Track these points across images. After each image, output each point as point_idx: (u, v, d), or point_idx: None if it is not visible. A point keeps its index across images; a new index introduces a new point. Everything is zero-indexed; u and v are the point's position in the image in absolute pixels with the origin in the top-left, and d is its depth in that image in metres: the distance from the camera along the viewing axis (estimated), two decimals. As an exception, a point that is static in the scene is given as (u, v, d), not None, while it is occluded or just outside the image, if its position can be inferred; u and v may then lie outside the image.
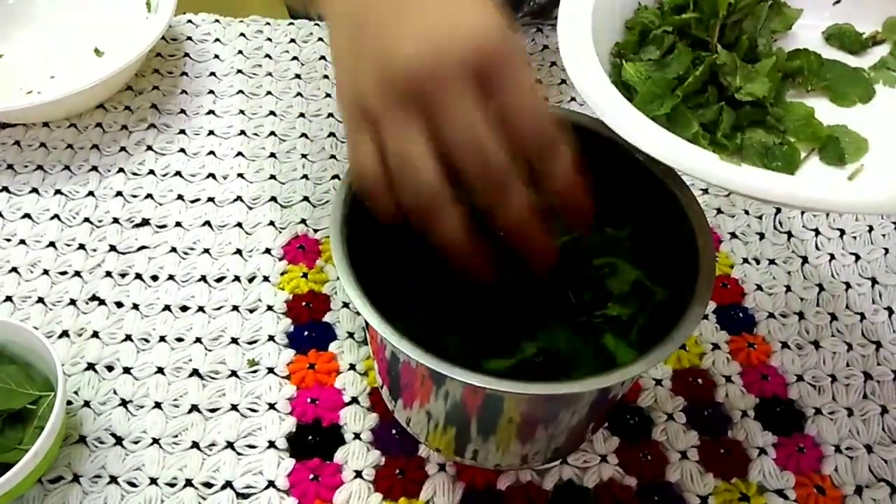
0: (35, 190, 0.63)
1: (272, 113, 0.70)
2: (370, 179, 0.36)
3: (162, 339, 0.55)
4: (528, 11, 0.77)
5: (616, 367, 0.36)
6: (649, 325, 0.43)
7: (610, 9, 0.44)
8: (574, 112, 0.47)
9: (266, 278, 0.58)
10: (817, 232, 0.64)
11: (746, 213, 0.64)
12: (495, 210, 0.35)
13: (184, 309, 0.57)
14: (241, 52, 0.75)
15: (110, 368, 0.53)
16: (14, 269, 0.58)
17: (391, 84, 0.33)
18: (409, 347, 0.35)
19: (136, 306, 0.56)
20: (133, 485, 0.48)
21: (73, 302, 0.56)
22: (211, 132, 0.68)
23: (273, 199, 0.63)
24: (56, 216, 0.62)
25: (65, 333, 0.55)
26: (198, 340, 0.55)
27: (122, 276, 0.58)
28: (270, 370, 0.54)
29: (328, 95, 0.72)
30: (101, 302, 0.57)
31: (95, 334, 0.55)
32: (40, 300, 0.56)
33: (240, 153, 0.67)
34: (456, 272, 0.38)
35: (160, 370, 0.53)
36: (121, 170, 0.65)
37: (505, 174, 0.34)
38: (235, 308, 0.57)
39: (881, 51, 0.47)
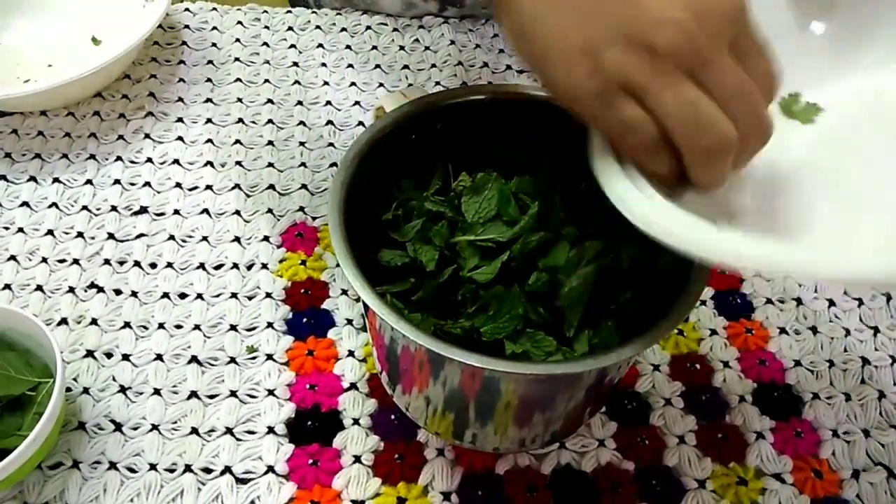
0: (33, 178, 0.63)
1: (270, 101, 0.70)
2: (647, 139, 0.35)
3: (161, 326, 0.55)
4: None
5: (612, 349, 0.36)
6: (646, 308, 0.43)
7: None
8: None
9: (264, 265, 0.59)
10: (815, 218, 0.64)
11: (744, 199, 0.64)
12: (706, 167, 0.36)
13: (182, 296, 0.57)
14: (238, 40, 0.75)
15: (109, 355, 0.53)
16: (13, 258, 0.58)
17: (661, 51, 0.33)
18: (408, 329, 0.36)
19: (134, 294, 0.57)
20: (132, 470, 0.48)
21: (71, 289, 0.56)
22: (209, 120, 0.68)
23: (271, 186, 0.63)
24: (54, 204, 0.61)
25: (63, 321, 0.55)
26: (196, 327, 0.55)
27: (121, 263, 0.58)
28: (269, 357, 0.54)
29: (326, 83, 0.72)
30: (100, 289, 0.57)
31: (94, 321, 0.55)
32: (39, 288, 0.56)
33: (238, 141, 0.67)
34: None
35: (159, 357, 0.53)
36: (119, 158, 0.65)
37: (769, 129, 0.36)
38: (234, 295, 0.57)
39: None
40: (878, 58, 0.42)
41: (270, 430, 0.50)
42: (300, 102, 0.70)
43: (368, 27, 0.77)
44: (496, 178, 0.46)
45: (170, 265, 0.58)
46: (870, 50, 0.42)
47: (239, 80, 0.72)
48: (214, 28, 0.76)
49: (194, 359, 0.53)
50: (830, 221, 0.38)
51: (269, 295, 0.57)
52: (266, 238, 0.60)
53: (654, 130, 0.35)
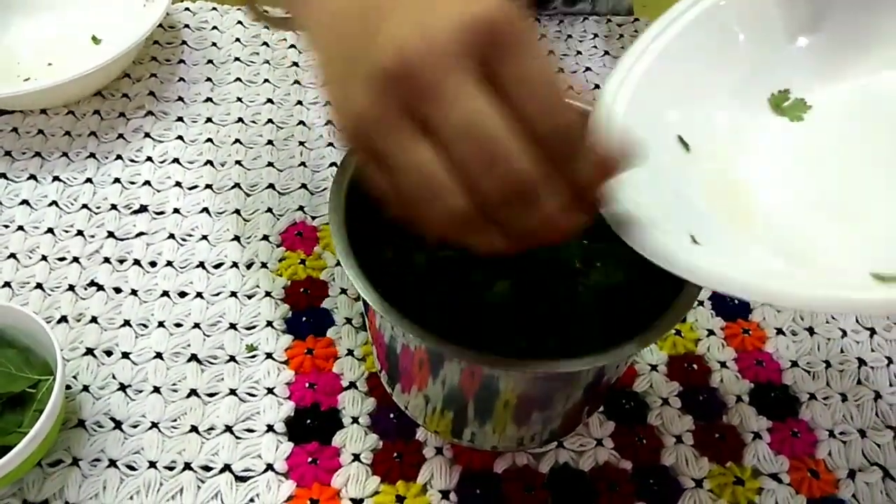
0: (33, 177, 0.63)
1: (270, 101, 0.70)
2: (391, 198, 0.30)
3: (160, 324, 0.55)
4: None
5: (610, 348, 0.36)
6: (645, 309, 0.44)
7: None
8: (572, 97, 0.48)
9: (264, 264, 0.59)
10: (812, 220, 0.64)
11: (742, 201, 0.65)
12: (512, 221, 0.29)
13: (182, 295, 0.57)
14: (238, 39, 0.76)
15: (109, 353, 0.54)
16: (12, 255, 0.58)
17: (379, 89, 0.27)
18: (408, 327, 0.36)
19: (134, 292, 0.57)
20: (132, 468, 0.49)
21: (71, 287, 0.57)
22: (209, 119, 0.68)
23: (271, 186, 0.64)
24: (54, 202, 0.62)
25: (63, 319, 0.55)
26: (196, 326, 0.55)
27: (121, 261, 0.58)
28: (269, 355, 0.54)
29: (326, 83, 0.72)
30: (100, 287, 0.57)
31: (94, 319, 0.55)
32: (39, 286, 0.57)
33: (237, 140, 0.67)
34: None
35: (159, 355, 0.54)
36: (119, 157, 0.65)
37: (523, 176, 0.28)
38: (233, 294, 0.57)
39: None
40: (868, 66, 0.43)
41: (270, 428, 0.51)
42: (300, 102, 0.70)
43: (368, 27, 0.77)
44: None
45: (170, 264, 0.58)
46: (860, 59, 0.43)
47: (239, 79, 0.72)
48: (214, 27, 0.77)
49: (194, 357, 0.54)
50: (815, 237, 0.38)
51: (268, 294, 0.57)
52: (266, 237, 0.60)
53: (391, 190, 0.30)
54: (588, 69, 0.75)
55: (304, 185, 0.64)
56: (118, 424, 0.50)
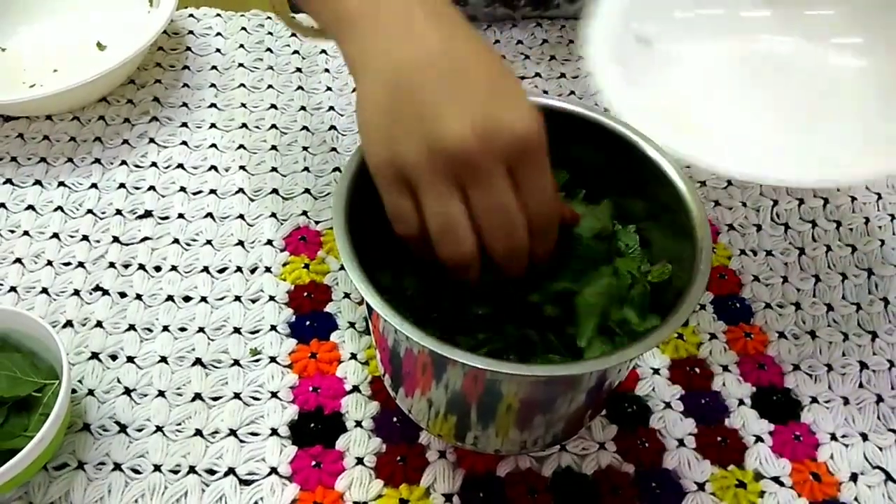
0: (38, 182, 0.64)
1: (273, 106, 0.71)
2: (411, 232, 0.40)
3: (165, 328, 0.55)
4: (527, 2, 0.77)
5: (613, 351, 0.36)
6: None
7: None
8: (574, 101, 0.48)
9: (268, 269, 0.59)
10: (814, 224, 0.64)
11: (744, 205, 0.65)
12: (505, 266, 0.41)
13: (186, 299, 0.57)
14: (242, 45, 0.76)
15: (114, 357, 0.54)
16: (18, 260, 0.59)
17: (438, 157, 0.37)
18: (411, 330, 0.36)
19: (139, 296, 0.57)
20: (137, 472, 0.49)
21: (76, 292, 0.57)
22: (213, 125, 0.69)
23: (275, 191, 0.64)
24: (59, 208, 0.62)
25: (69, 323, 0.55)
26: (200, 330, 0.55)
27: (126, 266, 0.59)
28: (272, 359, 0.54)
29: (329, 89, 0.72)
30: (105, 292, 0.57)
31: (99, 324, 0.55)
32: (44, 290, 0.57)
33: (241, 146, 0.67)
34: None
35: (163, 359, 0.54)
36: (123, 162, 0.66)
37: (523, 250, 0.40)
38: (238, 298, 0.57)
39: None
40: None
41: (274, 431, 0.51)
42: (303, 107, 0.71)
43: (371, 33, 0.77)
44: None
45: (174, 268, 0.59)
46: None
47: (243, 85, 0.72)
48: (219, 34, 0.77)
49: (198, 361, 0.54)
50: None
51: (272, 298, 0.57)
52: (269, 242, 0.61)
53: (415, 226, 0.40)
54: (562, 76, 0.75)
55: (307, 190, 0.64)
56: (123, 428, 0.51)
